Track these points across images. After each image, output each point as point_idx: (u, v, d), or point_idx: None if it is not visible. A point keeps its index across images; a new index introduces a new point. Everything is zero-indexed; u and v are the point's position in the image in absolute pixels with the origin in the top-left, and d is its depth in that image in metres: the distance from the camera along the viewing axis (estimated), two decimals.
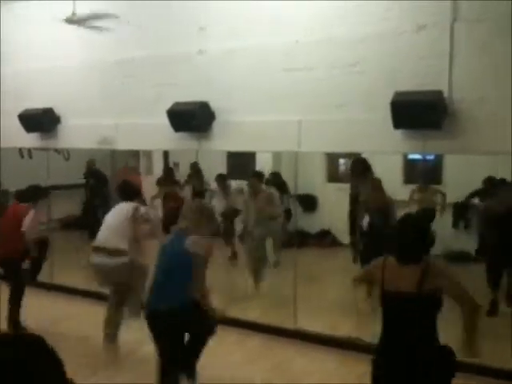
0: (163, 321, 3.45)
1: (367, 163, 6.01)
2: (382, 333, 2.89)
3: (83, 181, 8.91)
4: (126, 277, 4.61)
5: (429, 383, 2.76)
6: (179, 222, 3.65)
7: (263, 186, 6.65)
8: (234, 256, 7.60)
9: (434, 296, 2.74)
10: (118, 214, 4.68)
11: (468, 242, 6.07)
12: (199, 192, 7.50)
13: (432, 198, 6.92)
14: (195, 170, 8.32)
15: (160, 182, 8.18)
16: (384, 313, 2.87)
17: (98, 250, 4.60)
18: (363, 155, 7.81)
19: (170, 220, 6.79)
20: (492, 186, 5.63)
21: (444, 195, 6.97)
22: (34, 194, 5.24)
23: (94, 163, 8.67)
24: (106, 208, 7.30)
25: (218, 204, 7.38)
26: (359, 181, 6.07)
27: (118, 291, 4.77)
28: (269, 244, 6.70)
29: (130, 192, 4.86)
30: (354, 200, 6.41)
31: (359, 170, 6.01)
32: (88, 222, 8.17)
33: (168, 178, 7.95)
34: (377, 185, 5.84)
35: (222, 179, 7.73)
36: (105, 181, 8.55)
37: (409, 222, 2.91)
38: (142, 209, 4.72)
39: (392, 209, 5.72)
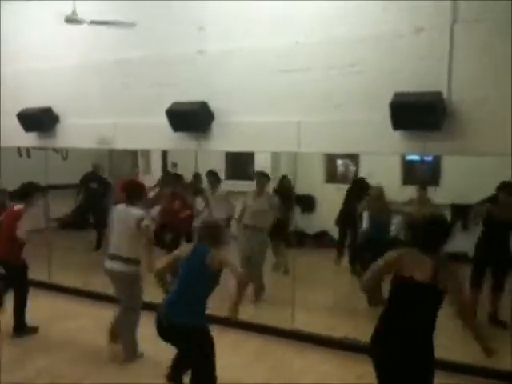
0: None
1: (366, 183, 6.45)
2: (383, 315, 3.06)
3: (82, 182, 8.88)
4: (133, 288, 4.59)
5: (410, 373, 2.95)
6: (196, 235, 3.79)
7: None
8: None
9: (441, 290, 2.92)
10: (124, 222, 4.57)
11: (466, 243, 6.06)
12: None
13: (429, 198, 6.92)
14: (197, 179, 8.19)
15: (162, 182, 8.01)
16: (391, 297, 3.05)
17: (114, 256, 4.57)
18: (362, 156, 7.86)
19: (183, 228, 6.78)
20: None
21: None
22: (27, 192, 5.22)
23: (100, 167, 8.59)
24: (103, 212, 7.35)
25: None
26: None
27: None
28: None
29: (134, 195, 4.66)
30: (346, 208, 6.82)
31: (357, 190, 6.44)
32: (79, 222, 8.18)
33: (169, 178, 7.76)
34: (379, 193, 6.06)
35: (213, 176, 7.41)
36: (108, 187, 8.52)
37: (435, 217, 3.22)
38: (145, 221, 4.52)
39: (390, 217, 6.04)
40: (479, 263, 5.47)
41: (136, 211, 4.54)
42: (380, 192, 6.11)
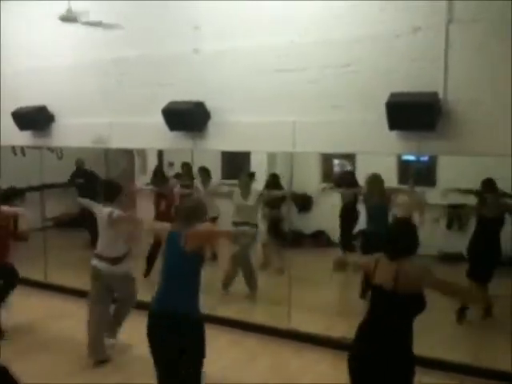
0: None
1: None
2: (362, 321, 3.06)
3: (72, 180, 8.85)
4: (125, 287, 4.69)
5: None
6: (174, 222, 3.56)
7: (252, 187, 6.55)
8: (213, 257, 7.49)
9: (412, 297, 2.88)
10: (101, 223, 4.69)
11: (462, 243, 6.08)
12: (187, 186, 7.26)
13: (414, 202, 6.98)
14: (187, 170, 8.21)
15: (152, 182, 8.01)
16: (370, 304, 3.07)
17: (101, 257, 4.65)
18: (358, 156, 7.86)
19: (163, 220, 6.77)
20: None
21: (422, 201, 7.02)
22: (6, 197, 5.24)
23: (83, 162, 8.62)
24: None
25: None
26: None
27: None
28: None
29: (109, 193, 4.74)
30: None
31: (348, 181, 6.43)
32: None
33: (158, 177, 7.77)
34: (376, 180, 5.99)
35: (204, 173, 7.48)
36: (95, 180, 8.48)
37: (399, 223, 3.26)
38: (116, 212, 4.55)
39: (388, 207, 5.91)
40: (473, 259, 5.53)
41: (106, 209, 4.60)
42: (377, 179, 6.02)
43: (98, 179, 7.83)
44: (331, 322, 5.41)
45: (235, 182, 7.38)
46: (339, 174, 6.89)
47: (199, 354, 3.37)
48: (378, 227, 5.69)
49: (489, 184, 5.56)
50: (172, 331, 3.26)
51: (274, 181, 7.44)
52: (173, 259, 3.41)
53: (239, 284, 6.25)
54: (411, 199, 6.60)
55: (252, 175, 6.78)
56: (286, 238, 6.52)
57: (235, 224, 6.30)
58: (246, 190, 6.39)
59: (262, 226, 6.98)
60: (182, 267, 3.36)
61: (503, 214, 5.60)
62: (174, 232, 3.44)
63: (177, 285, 3.36)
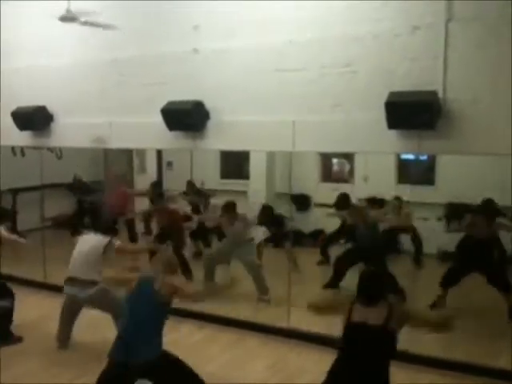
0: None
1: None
2: (337, 360, 3.19)
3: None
4: (102, 303, 4.77)
5: None
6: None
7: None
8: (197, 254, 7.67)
9: (393, 334, 3.09)
10: (90, 248, 4.84)
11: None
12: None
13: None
14: (191, 187, 8.26)
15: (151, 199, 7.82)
16: (344, 342, 3.18)
17: (72, 280, 4.79)
18: (357, 155, 7.88)
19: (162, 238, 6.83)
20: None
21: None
22: None
23: (80, 177, 9.06)
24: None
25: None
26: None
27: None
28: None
29: (104, 226, 5.13)
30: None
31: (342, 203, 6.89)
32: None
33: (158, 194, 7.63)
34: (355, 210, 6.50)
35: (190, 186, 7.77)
36: (90, 192, 8.86)
37: (369, 274, 3.38)
38: (113, 242, 4.89)
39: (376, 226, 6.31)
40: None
41: (105, 239, 4.91)
42: (356, 210, 6.45)
43: (91, 190, 8.17)
44: (332, 321, 5.41)
45: (234, 181, 7.43)
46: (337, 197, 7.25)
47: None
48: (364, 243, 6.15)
49: (487, 204, 5.71)
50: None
51: (267, 213, 7.70)
52: (143, 307, 3.49)
53: (246, 286, 6.23)
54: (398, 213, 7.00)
55: (234, 207, 6.59)
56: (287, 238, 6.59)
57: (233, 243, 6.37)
58: (232, 220, 6.35)
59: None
60: (153, 313, 3.49)
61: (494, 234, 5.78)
62: (144, 281, 3.59)
63: (146, 332, 3.45)
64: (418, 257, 7.30)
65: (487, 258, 5.49)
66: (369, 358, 3.04)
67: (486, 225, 5.52)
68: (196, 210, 8.01)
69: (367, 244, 6.10)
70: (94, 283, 4.71)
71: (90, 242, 4.92)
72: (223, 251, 6.54)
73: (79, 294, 4.72)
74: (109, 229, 5.15)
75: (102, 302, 4.74)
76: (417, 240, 7.26)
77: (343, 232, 7.37)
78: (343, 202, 7.00)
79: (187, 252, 7.21)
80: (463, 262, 5.65)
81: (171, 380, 3.49)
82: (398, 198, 7.22)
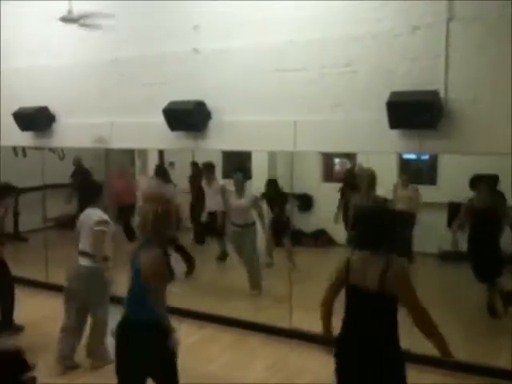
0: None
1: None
2: (343, 324, 2.99)
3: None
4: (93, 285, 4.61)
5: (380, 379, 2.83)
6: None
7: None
8: (223, 256, 7.52)
9: (395, 294, 2.79)
10: (86, 224, 4.79)
11: (463, 242, 6.08)
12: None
13: (411, 196, 7.02)
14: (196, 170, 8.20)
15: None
16: (347, 305, 2.97)
17: (83, 254, 4.77)
18: (359, 155, 7.86)
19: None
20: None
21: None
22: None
23: (81, 160, 8.56)
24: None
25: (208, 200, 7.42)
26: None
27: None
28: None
29: (90, 196, 4.91)
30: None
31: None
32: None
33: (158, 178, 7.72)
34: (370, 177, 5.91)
35: (209, 170, 7.44)
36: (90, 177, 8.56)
37: (367, 212, 3.10)
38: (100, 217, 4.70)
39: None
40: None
41: (95, 216, 4.73)
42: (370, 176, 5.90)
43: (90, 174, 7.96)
44: (333, 321, 5.40)
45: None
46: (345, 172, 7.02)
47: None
48: None
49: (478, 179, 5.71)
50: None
51: (270, 187, 7.54)
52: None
53: (243, 282, 6.26)
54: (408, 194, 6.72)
55: (246, 171, 6.74)
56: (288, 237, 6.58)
57: (234, 225, 6.43)
58: (239, 189, 6.41)
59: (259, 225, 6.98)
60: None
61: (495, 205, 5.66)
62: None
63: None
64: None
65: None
66: (370, 324, 2.82)
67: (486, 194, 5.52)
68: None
69: None
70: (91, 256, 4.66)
71: (86, 218, 4.83)
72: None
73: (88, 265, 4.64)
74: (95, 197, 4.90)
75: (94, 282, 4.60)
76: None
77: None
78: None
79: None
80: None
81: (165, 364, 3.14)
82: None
